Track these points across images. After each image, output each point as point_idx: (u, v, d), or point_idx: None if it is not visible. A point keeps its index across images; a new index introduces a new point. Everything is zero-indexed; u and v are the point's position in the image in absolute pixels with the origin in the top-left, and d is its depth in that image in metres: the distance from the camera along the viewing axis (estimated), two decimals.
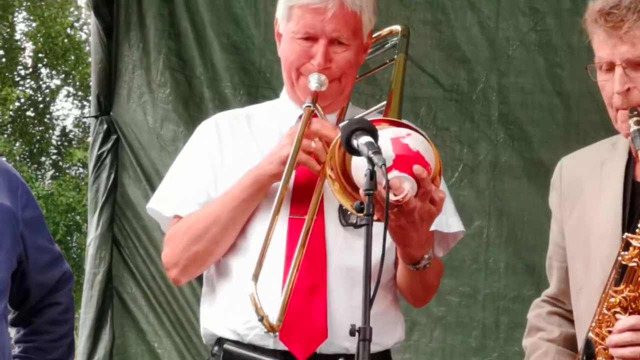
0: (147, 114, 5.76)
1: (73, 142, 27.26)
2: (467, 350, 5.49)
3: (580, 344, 3.21)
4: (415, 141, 2.97)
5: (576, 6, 5.31)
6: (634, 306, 3.04)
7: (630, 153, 3.27)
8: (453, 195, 3.52)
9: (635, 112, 3.13)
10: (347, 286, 3.23)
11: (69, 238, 24.33)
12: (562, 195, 3.42)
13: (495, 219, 5.50)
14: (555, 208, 3.46)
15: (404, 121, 3.08)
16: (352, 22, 3.35)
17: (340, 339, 3.20)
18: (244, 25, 5.72)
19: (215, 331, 3.36)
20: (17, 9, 27.05)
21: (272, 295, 3.08)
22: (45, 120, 27.51)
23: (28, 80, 27.38)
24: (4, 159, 11.16)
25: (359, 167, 2.92)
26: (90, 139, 5.97)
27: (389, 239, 3.01)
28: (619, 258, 3.03)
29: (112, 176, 5.79)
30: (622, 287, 3.03)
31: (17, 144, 26.29)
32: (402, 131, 2.99)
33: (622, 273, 3.04)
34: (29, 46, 27.30)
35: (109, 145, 5.80)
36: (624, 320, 3.04)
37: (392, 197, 2.87)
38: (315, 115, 3.33)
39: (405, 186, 2.92)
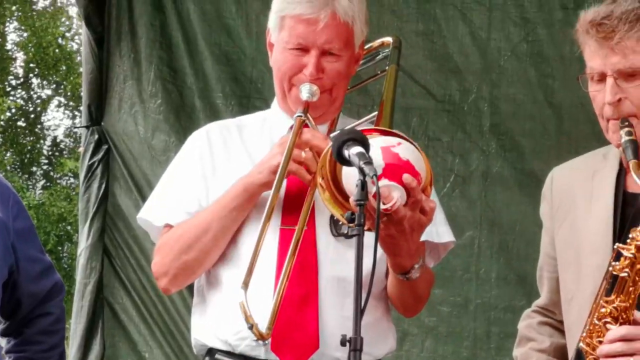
0: (138, 124, 5.75)
1: (64, 152, 27.21)
2: None
3: (571, 354, 3.21)
4: (406, 150, 2.97)
5: (567, 17, 5.31)
6: (624, 316, 3.03)
7: (621, 163, 3.27)
8: (444, 205, 3.52)
9: (627, 123, 3.13)
10: (338, 296, 3.23)
11: (59, 248, 24.25)
12: (553, 206, 3.42)
13: (487, 230, 5.49)
14: (546, 218, 3.46)
15: (395, 131, 3.08)
16: (344, 33, 3.34)
17: (331, 350, 3.19)
18: (235, 36, 5.72)
19: (206, 342, 3.35)
20: (8, 19, 27.02)
21: (262, 304, 3.07)
22: (37, 130, 27.45)
23: (19, 90, 27.35)
24: None
25: (349, 175, 2.92)
26: (81, 149, 5.96)
27: (379, 249, 3.01)
28: (610, 268, 3.02)
29: (103, 186, 5.78)
30: (613, 297, 3.03)
31: (8, 154, 26.24)
32: (393, 140, 2.99)
33: (613, 283, 3.04)
34: (20, 56, 27.30)
35: (100, 155, 5.80)
36: (615, 330, 3.03)
37: (381, 206, 2.87)
38: (307, 125, 3.33)
39: (394, 195, 2.92)
